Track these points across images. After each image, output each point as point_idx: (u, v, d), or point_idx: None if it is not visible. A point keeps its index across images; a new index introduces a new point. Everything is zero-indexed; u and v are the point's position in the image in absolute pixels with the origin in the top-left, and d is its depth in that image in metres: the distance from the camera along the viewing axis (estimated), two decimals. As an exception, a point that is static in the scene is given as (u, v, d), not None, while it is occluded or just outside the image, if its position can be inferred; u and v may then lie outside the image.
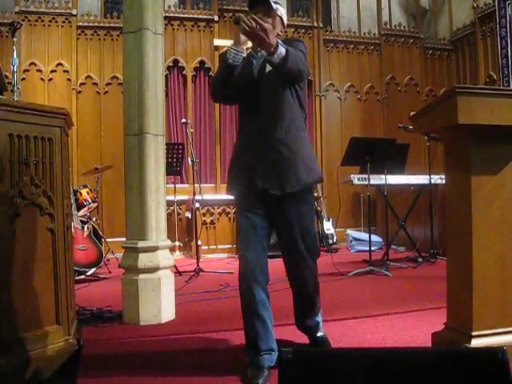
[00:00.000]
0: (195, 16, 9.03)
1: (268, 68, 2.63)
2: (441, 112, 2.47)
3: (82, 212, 6.39)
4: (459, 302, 2.64)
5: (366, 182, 5.96)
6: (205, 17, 9.06)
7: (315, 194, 8.58)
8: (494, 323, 2.56)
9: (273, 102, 2.65)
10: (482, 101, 2.35)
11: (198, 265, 6.08)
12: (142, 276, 3.81)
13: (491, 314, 2.55)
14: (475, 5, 9.51)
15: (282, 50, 2.40)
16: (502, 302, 2.58)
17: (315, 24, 9.42)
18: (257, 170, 2.65)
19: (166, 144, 4.97)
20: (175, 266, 5.36)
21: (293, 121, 2.68)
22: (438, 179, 6.39)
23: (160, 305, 3.80)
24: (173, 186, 7.98)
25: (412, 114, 2.73)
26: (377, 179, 6.25)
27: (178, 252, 8.04)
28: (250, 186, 2.67)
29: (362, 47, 9.80)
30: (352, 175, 6.63)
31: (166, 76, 8.61)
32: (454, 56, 10.31)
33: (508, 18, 8.30)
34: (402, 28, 10.08)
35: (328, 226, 8.34)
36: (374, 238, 7.86)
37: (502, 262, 2.57)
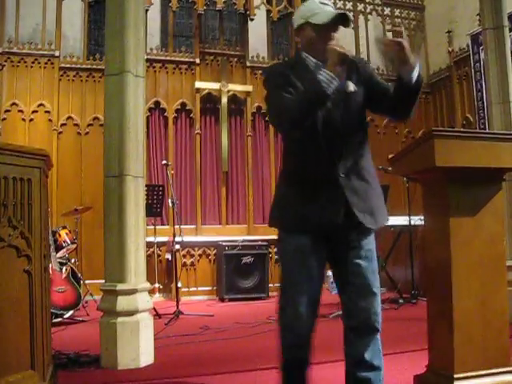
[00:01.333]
0: (177, 59, 9.14)
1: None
2: (418, 154, 2.51)
3: (60, 253, 6.32)
4: (441, 344, 2.63)
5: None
6: (186, 59, 9.17)
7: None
8: (477, 365, 2.54)
9: (353, 128, 2.47)
10: (459, 143, 2.40)
11: (177, 307, 6.00)
12: (120, 319, 3.75)
13: (473, 356, 2.54)
14: (450, 49, 9.77)
15: (418, 66, 2.33)
16: (484, 344, 2.57)
17: (296, 67, 9.58)
18: (341, 203, 2.34)
19: (147, 185, 4.97)
20: (155, 309, 5.29)
21: (367, 148, 2.58)
22: (418, 220, 6.44)
23: (139, 348, 3.73)
24: (153, 227, 7.94)
25: (390, 156, 2.77)
26: (358, 220, 6.27)
27: (157, 294, 7.94)
28: (324, 225, 2.36)
29: (340, 91, 9.96)
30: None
31: (148, 117, 8.66)
32: (431, 99, 10.53)
33: (482, 62, 8.52)
34: (380, 71, 10.28)
35: (309, 268, 8.30)
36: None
37: (482, 303, 2.57)
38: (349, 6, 10.39)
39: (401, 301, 6.34)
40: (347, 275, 2.43)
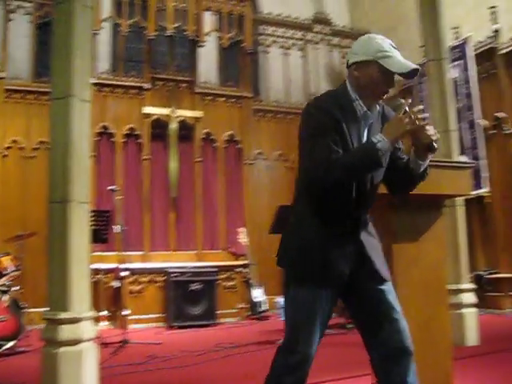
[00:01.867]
0: (126, 83, 9.09)
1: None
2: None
3: (1, 281, 6.10)
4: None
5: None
6: (136, 84, 9.12)
7: (245, 262, 8.61)
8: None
9: (376, 186, 2.39)
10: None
11: (124, 335, 5.87)
12: (62, 349, 3.63)
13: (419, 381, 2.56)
14: (396, 79, 10.03)
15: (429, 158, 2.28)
16: (427, 366, 2.60)
17: (245, 94, 9.66)
18: (358, 255, 2.32)
19: (94, 211, 4.88)
20: (100, 338, 5.16)
21: None
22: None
23: (81, 380, 3.62)
24: (99, 253, 7.78)
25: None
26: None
27: (104, 322, 7.75)
28: (345, 277, 2.32)
29: (291, 117, 10.10)
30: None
31: (97, 142, 8.54)
32: (377, 126, 10.78)
33: (424, 93, 8.78)
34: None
35: (257, 294, 8.28)
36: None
37: (424, 327, 2.61)
38: (298, 35, 10.60)
39: (349, 326, 6.37)
40: (371, 306, 2.37)
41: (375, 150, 2.13)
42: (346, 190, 2.27)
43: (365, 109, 2.30)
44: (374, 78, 2.27)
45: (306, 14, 10.88)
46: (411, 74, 2.26)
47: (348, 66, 2.34)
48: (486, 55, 8.08)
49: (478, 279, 7.57)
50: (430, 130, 2.19)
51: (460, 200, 5.12)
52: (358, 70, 2.29)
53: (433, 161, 2.56)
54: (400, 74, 2.25)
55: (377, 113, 2.36)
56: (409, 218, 2.58)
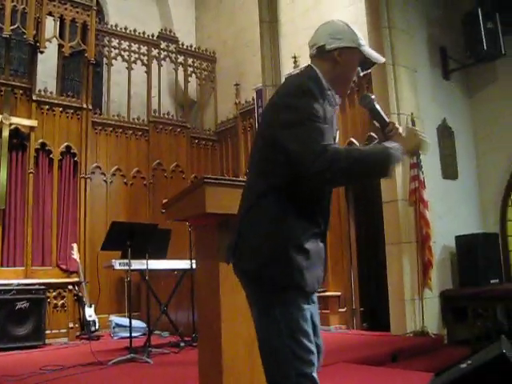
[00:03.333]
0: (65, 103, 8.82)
1: None
2: (190, 201, 2.57)
3: None
4: (211, 386, 2.66)
5: (127, 267, 5.87)
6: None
7: (77, 279, 8.26)
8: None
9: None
10: (229, 191, 2.49)
11: None
12: None
13: (243, 398, 2.61)
14: (237, 101, 10.34)
15: None
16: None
17: (84, 105, 9.31)
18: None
19: None
20: None
21: None
22: (201, 264, 6.55)
23: None
24: None
25: (164, 201, 2.79)
26: (139, 264, 6.18)
27: None
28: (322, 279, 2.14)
29: (131, 132, 9.94)
30: (113, 260, 6.42)
31: None
32: (218, 146, 11.00)
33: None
34: (170, 116, 10.50)
35: (90, 313, 7.98)
36: (138, 323, 7.71)
37: (250, 346, 2.66)
38: (143, 49, 10.50)
39: (182, 344, 6.34)
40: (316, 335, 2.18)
41: (389, 157, 1.99)
42: (327, 191, 2.17)
43: (337, 100, 2.17)
44: (353, 65, 2.21)
45: (153, 29, 10.83)
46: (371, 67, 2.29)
47: (322, 52, 2.18)
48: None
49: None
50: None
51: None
52: (342, 56, 2.17)
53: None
54: (368, 67, 2.26)
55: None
56: (235, 238, 2.62)
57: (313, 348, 2.02)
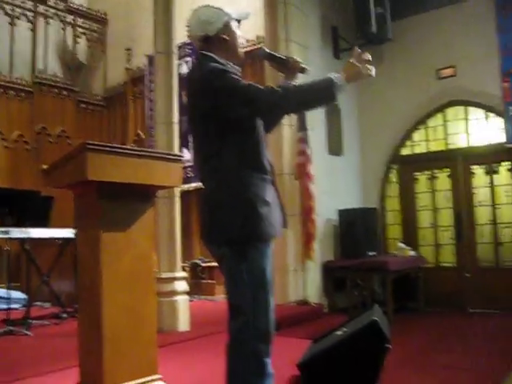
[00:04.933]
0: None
1: None
2: (72, 167, 2.47)
3: None
4: (91, 359, 2.61)
5: (7, 236, 5.59)
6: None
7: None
8: (127, 377, 2.59)
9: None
10: (113, 158, 2.42)
11: None
12: None
13: (124, 368, 2.58)
14: (128, 66, 10.05)
15: None
16: (134, 355, 2.63)
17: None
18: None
19: None
20: None
21: None
22: (85, 232, 6.36)
23: None
24: None
25: (44, 167, 2.67)
26: (19, 232, 5.89)
27: None
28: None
29: (13, 93, 9.38)
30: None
31: None
32: (106, 112, 10.65)
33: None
34: (56, 78, 10.01)
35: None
36: (18, 294, 7.38)
37: (132, 315, 2.63)
38: (29, 5, 9.88)
39: (64, 315, 6.17)
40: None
41: (332, 84, 2.25)
42: (259, 135, 2.38)
43: (240, 69, 2.42)
44: (236, 34, 2.46)
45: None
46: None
47: (208, 40, 2.42)
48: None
49: (194, 267, 7.99)
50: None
51: (176, 191, 5.29)
52: (226, 33, 2.43)
53: (146, 151, 2.60)
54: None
55: None
56: (119, 208, 2.56)
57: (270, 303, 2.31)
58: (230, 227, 2.26)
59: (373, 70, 2.41)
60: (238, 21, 2.50)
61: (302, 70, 2.53)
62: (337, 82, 2.26)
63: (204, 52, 2.41)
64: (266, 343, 2.29)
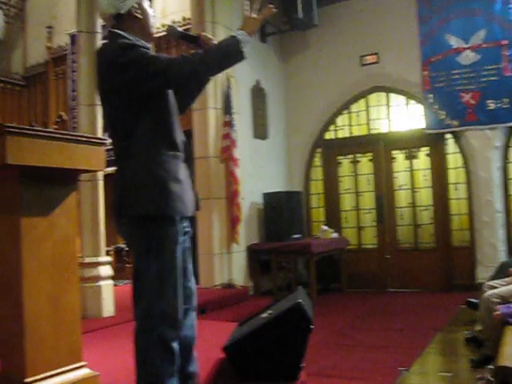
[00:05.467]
0: None
1: None
2: (-11, 150, 2.37)
3: None
4: (12, 348, 2.54)
5: None
6: None
7: None
8: (50, 366, 2.53)
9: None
10: (34, 142, 2.34)
11: None
12: None
13: (46, 357, 2.52)
14: (49, 45, 9.67)
15: None
16: (57, 343, 2.57)
17: None
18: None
19: None
20: None
21: None
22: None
23: None
24: None
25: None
26: None
27: None
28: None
29: None
30: None
31: None
32: (26, 92, 10.22)
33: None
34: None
35: None
36: None
37: (54, 302, 2.57)
38: None
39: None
40: (186, 261, 2.51)
41: (237, 42, 2.30)
42: (170, 109, 2.39)
43: (150, 47, 2.43)
44: (149, 14, 2.47)
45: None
46: None
47: (120, 18, 2.40)
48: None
49: (118, 251, 7.87)
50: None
51: (100, 174, 5.18)
52: (139, 10, 2.43)
53: (67, 134, 2.53)
54: None
55: None
56: (40, 192, 2.47)
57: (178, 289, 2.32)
58: (139, 203, 2.26)
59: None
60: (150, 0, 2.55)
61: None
62: (241, 38, 2.32)
63: (113, 30, 2.41)
64: (173, 328, 2.30)
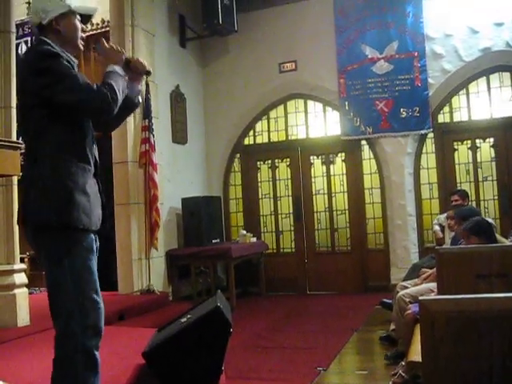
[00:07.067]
0: None
1: None
2: None
3: None
4: None
5: None
6: None
7: None
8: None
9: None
10: None
11: None
12: None
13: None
14: None
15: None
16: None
17: None
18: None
19: None
20: None
21: None
22: None
23: None
24: None
25: None
26: None
27: None
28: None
29: None
30: None
31: None
32: None
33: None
34: None
35: None
36: None
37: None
38: None
39: None
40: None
41: (120, 75, 2.39)
42: (86, 132, 2.37)
43: (74, 60, 2.44)
44: (74, 27, 2.44)
45: None
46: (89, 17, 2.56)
47: (42, 28, 2.40)
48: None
49: (33, 258, 7.60)
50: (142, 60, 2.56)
51: (14, 179, 4.99)
52: (60, 24, 2.40)
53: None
54: (87, 20, 2.54)
55: None
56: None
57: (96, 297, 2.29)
58: (42, 212, 2.21)
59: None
60: (87, 16, 2.53)
61: (148, 73, 2.61)
62: (122, 73, 2.43)
63: (42, 37, 2.41)
64: (95, 337, 2.28)
